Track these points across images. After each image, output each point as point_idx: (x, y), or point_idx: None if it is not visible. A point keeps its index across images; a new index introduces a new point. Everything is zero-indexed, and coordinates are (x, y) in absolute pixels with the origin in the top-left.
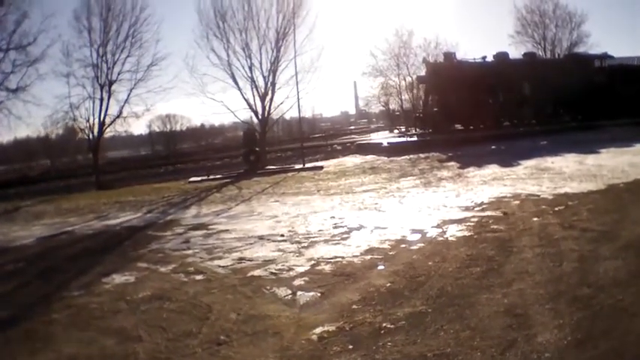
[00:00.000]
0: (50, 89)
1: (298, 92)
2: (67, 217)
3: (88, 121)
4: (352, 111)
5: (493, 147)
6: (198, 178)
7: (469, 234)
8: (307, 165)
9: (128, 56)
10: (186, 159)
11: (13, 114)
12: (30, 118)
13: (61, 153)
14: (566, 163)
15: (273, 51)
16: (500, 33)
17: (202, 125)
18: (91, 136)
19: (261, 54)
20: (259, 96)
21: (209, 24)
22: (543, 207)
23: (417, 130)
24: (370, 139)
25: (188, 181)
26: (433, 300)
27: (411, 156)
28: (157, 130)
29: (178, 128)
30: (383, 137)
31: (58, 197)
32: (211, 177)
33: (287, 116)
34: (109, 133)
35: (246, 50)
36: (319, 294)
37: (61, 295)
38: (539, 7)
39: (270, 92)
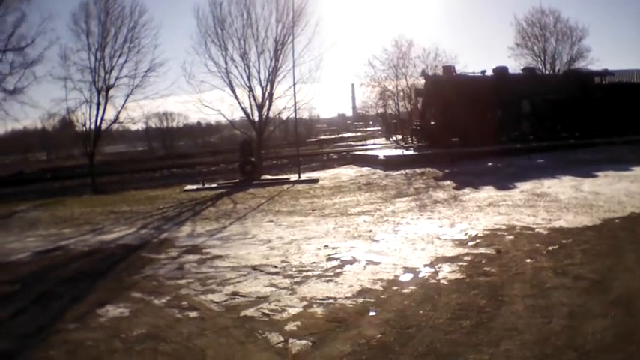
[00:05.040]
0: (47, 92)
1: (295, 103)
2: (62, 228)
3: (84, 125)
4: (349, 113)
5: (490, 164)
6: (194, 187)
7: (461, 276)
8: (303, 177)
9: (126, 61)
10: (182, 162)
11: (10, 115)
12: (27, 120)
13: (58, 146)
14: (563, 189)
15: (271, 60)
16: (499, 45)
17: (199, 123)
18: (88, 145)
19: (259, 63)
20: (256, 106)
21: (207, 31)
22: (537, 245)
23: (414, 142)
24: (366, 150)
25: (183, 189)
26: (422, 357)
27: (407, 171)
28: (154, 126)
29: (175, 125)
30: (379, 147)
31: (53, 202)
32: (207, 186)
33: (284, 116)
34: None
35: (245, 59)
36: (310, 343)
37: (57, 327)
38: (539, 20)
39: (267, 102)
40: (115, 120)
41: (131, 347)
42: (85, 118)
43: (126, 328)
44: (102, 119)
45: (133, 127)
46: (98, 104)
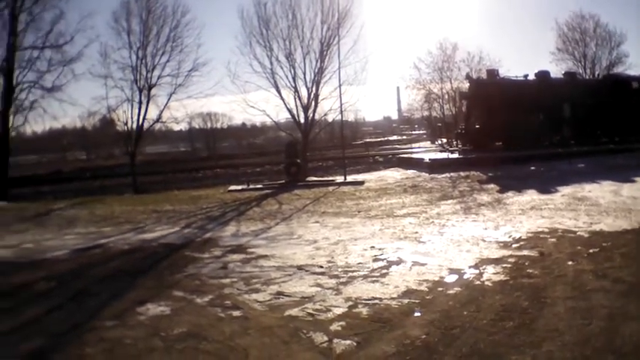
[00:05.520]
0: (86, 90)
1: (341, 105)
2: (101, 226)
3: (126, 124)
4: (395, 116)
5: (532, 168)
6: (239, 187)
7: (505, 278)
8: (349, 179)
9: (168, 60)
10: (225, 163)
11: (48, 113)
12: (65, 118)
13: (98, 145)
14: (602, 193)
15: (317, 62)
16: (540, 49)
17: (244, 124)
18: (129, 145)
19: (305, 64)
20: (302, 107)
21: (252, 31)
22: (578, 248)
23: (459, 145)
24: (412, 153)
25: (228, 189)
26: (465, 358)
27: (452, 174)
28: (197, 127)
29: (219, 126)
30: (424, 149)
31: (92, 200)
32: (251, 187)
33: (329, 118)
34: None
35: (290, 59)
36: (355, 343)
37: (93, 324)
38: (580, 24)
39: (313, 104)
40: (158, 119)
41: (171, 346)
42: (126, 117)
43: (166, 327)
44: (144, 118)
45: (176, 128)
46: (140, 103)
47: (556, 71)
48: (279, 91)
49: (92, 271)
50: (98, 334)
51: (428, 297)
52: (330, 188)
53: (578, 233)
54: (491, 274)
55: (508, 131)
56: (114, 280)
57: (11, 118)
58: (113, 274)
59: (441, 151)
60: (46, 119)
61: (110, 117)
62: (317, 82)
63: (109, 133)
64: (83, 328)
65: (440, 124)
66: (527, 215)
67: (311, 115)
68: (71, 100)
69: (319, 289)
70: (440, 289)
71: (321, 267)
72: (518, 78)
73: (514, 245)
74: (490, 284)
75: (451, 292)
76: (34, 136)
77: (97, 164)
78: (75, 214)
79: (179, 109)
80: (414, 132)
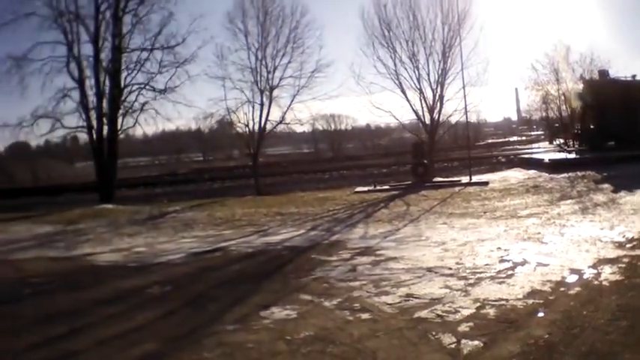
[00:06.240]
0: (202, 91)
1: (466, 106)
2: (222, 229)
3: (247, 125)
4: (514, 117)
5: None
6: (365, 189)
7: (620, 278)
8: (474, 179)
9: (290, 62)
10: (351, 164)
11: (161, 114)
12: (180, 120)
13: (215, 146)
14: None
15: (440, 63)
16: None
17: (368, 125)
18: (250, 144)
19: (428, 65)
20: (428, 108)
21: (374, 32)
22: None
23: (575, 145)
24: (532, 153)
25: (354, 191)
26: (584, 357)
27: (570, 174)
28: (321, 128)
29: (343, 128)
30: (543, 150)
31: (211, 202)
32: (378, 188)
33: (452, 120)
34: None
35: (413, 60)
36: (482, 344)
37: (213, 329)
38: None
39: (438, 105)
40: (281, 121)
41: (297, 349)
42: (247, 118)
43: (292, 330)
44: (266, 120)
45: (299, 129)
46: (261, 105)
47: None
48: (404, 92)
49: (211, 275)
50: (217, 339)
51: (550, 297)
52: (456, 189)
53: None
54: (608, 274)
55: (620, 131)
56: (235, 284)
57: (120, 120)
58: (234, 278)
59: (558, 152)
60: (159, 121)
61: (229, 119)
62: (441, 84)
63: (226, 134)
64: (200, 332)
65: (557, 125)
66: (638, 215)
67: (436, 116)
68: (186, 102)
69: (448, 290)
70: (562, 289)
71: (450, 268)
72: (627, 79)
73: (628, 245)
74: (607, 284)
75: (572, 292)
76: (146, 139)
77: (214, 166)
78: (192, 216)
79: (302, 111)
80: (532, 133)
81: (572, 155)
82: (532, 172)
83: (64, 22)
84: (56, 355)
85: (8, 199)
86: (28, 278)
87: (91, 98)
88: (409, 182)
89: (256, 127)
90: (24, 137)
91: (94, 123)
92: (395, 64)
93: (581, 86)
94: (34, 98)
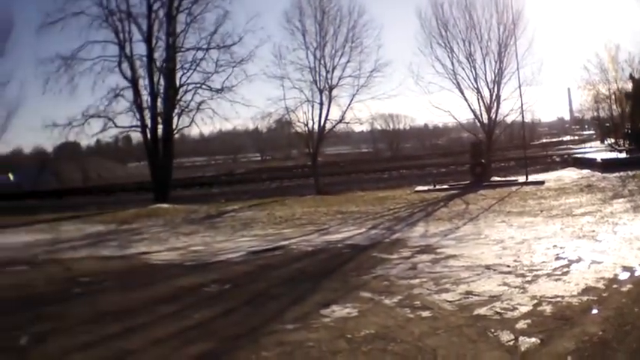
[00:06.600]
0: (260, 91)
1: (522, 105)
2: (282, 228)
3: (306, 125)
4: (567, 117)
5: None
6: (425, 188)
7: None
8: (530, 178)
9: (348, 61)
10: (410, 164)
11: (218, 114)
12: (237, 119)
13: (273, 146)
14: None
15: (496, 63)
16: None
17: (426, 125)
18: (310, 144)
19: (485, 65)
20: (485, 108)
21: (432, 32)
22: None
23: (626, 144)
24: (584, 153)
25: (414, 190)
26: (635, 354)
27: (621, 173)
28: (379, 128)
29: (401, 127)
30: (595, 149)
31: (271, 201)
32: (437, 187)
33: (508, 119)
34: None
35: (470, 60)
36: (539, 341)
37: (272, 327)
38: None
39: (495, 104)
40: (341, 120)
41: (357, 348)
42: (306, 118)
43: (352, 329)
44: (326, 119)
45: (357, 129)
46: (321, 104)
47: None
48: (462, 92)
49: (271, 273)
50: (277, 338)
51: (604, 294)
52: (513, 188)
53: None
54: None
55: None
56: (295, 282)
57: (175, 119)
58: (295, 277)
59: (610, 151)
60: (216, 120)
61: (288, 118)
62: (498, 83)
63: (285, 134)
64: (260, 331)
65: (608, 125)
66: None
67: (493, 115)
68: (244, 101)
69: (506, 287)
70: (615, 286)
71: (508, 266)
72: None
73: None
74: None
75: (624, 289)
76: (202, 138)
77: (272, 165)
78: (252, 215)
79: (362, 110)
80: (584, 132)
81: (623, 155)
82: (585, 172)
83: (114, 21)
84: (110, 354)
85: (59, 198)
86: (78, 277)
87: (145, 97)
88: (467, 181)
89: (316, 127)
90: (74, 137)
91: (149, 122)
92: (452, 64)
93: (630, 85)
94: (83, 98)
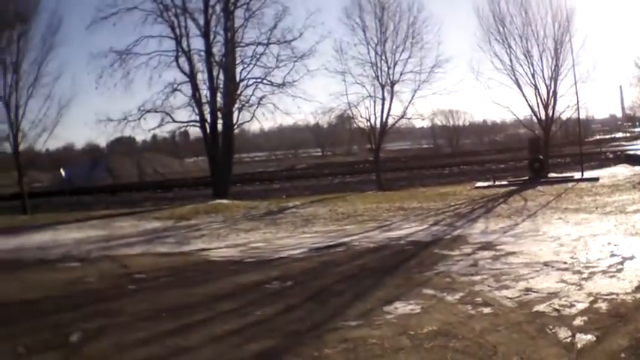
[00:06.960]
0: (321, 86)
1: (578, 102)
2: (343, 225)
3: (368, 120)
4: (619, 114)
5: None
6: (485, 184)
7: None
8: (585, 175)
9: (409, 57)
10: (470, 159)
11: (280, 109)
12: (299, 114)
13: (334, 141)
14: None
15: (552, 59)
16: None
17: (484, 121)
18: (372, 139)
19: (542, 61)
20: (542, 104)
21: (490, 28)
22: None
23: None
24: (637, 150)
25: (474, 186)
26: None
27: None
28: (439, 123)
29: (461, 123)
30: None
31: (332, 197)
32: (497, 183)
33: (564, 116)
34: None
35: (528, 57)
36: (595, 338)
37: (334, 324)
38: None
39: (552, 101)
40: (403, 115)
41: (420, 344)
42: (368, 113)
43: (415, 325)
44: (388, 115)
45: (418, 125)
46: (383, 99)
47: None
48: (520, 88)
49: (334, 270)
50: (340, 334)
51: None
52: (570, 184)
53: None
54: None
55: None
56: (358, 279)
57: (235, 114)
58: (357, 273)
59: None
60: (277, 115)
61: (350, 113)
62: (554, 80)
63: (346, 129)
64: (322, 328)
65: None
66: None
67: (550, 111)
68: (306, 96)
69: (563, 284)
70: None
71: (565, 263)
72: None
73: None
74: None
75: None
76: (262, 133)
77: (333, 161)
78: (313, 211)
79: (423, 106)
80: (635, 129)
81: None
82: (637, 168)
83: (170, 16)
84: (166, 351)
85: (114, 194)
86: (133, 274)
87: (204, 92)
88: (526, 177)
89: (378, 122)
90: (130, 132)
91: (208, 117)
92: (511, 60)
93: None
94: (137, 93)
